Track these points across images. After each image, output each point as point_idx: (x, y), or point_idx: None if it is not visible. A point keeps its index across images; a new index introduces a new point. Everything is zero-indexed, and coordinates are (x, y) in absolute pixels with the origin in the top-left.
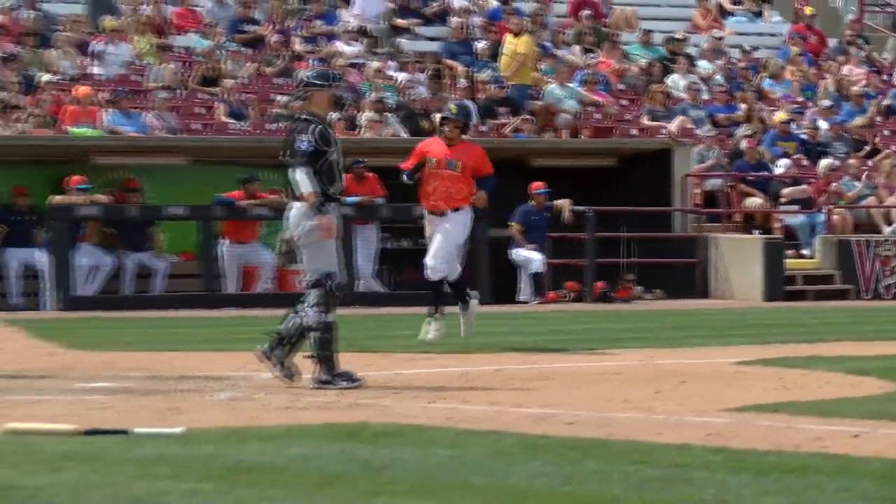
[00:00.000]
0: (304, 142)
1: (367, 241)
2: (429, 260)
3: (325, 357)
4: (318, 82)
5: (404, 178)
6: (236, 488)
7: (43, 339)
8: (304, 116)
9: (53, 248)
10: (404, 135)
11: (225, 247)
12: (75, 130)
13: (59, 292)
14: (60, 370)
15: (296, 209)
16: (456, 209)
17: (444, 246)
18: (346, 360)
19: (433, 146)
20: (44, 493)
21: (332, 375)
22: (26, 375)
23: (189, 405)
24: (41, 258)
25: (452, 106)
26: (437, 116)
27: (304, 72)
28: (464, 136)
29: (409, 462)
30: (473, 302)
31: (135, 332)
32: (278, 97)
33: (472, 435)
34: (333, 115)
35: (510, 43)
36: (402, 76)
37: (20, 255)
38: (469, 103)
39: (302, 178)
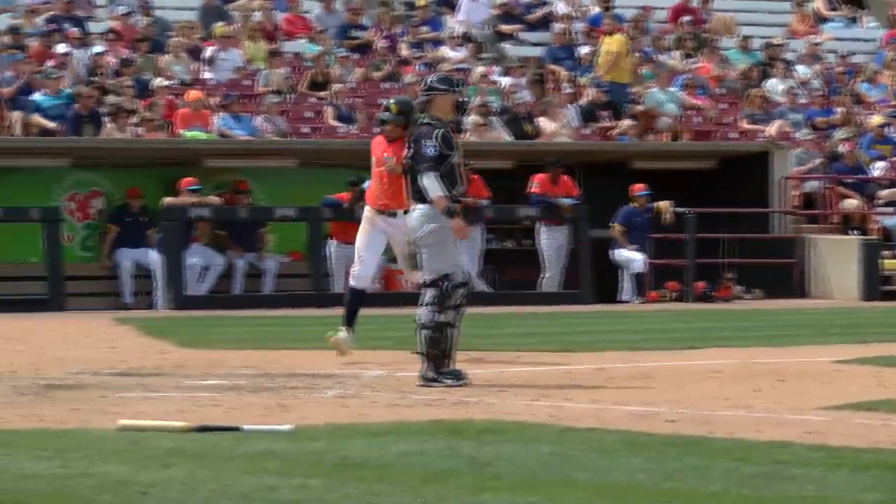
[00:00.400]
0: (429, 147)
1: (472, 242)
2: (359, 269)
3: (432, 355)
4: (442, 87)
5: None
6: (344, 484)
7: (154, 338)
8: (426, 121)
9: (166, 248)
10: (508, 138)
11: (333, 247)
12: (188, 134)
13: (171, 291)
14: (172, 368)
15: (417, 211)
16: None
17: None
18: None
19: (375, 144)
20: (155, 489)
21: (438, 373)
22: (138, 373)
23: (298, 402)
24: (154, 258)
25: (392, 105)
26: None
27: (428, 76)
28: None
29: (513, 458)
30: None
31: (245, 330)
32: (385, 101)
33: (575, 432)
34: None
35: (605, 43)
36: (506, 81)
37: (133, 255)
38: (411, 99)
39: (430, 183)
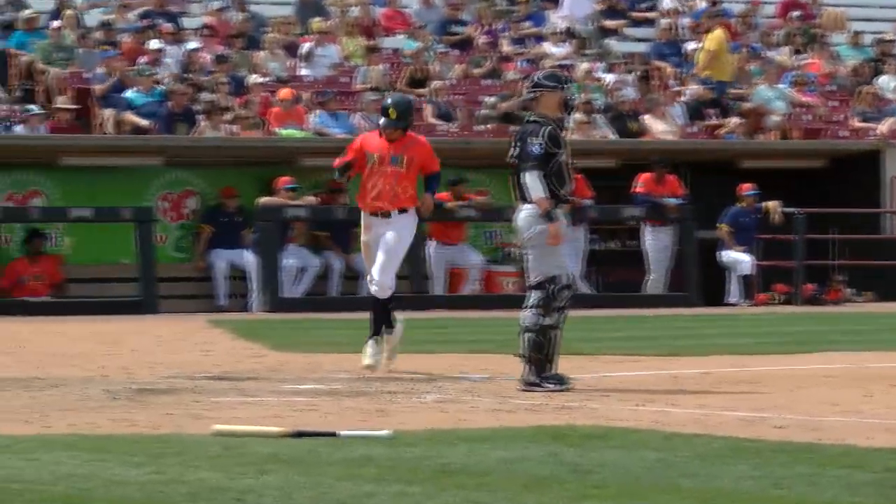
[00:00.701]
0: (535, 145)
1: (576, 243)
2: (376, 274)
3: (535, 359)
4: (550, 84)
5: (336, 175)
6: (443, 491)
7: (250, 341)
8: (533, 118)
9: (261, 249)
10: (612, 136)
11: (432, 248)
12: (283, 132)
13: (266, 293)
14: (267, 372)
15: (525, 212)
16: (402, 211)
17: (392, 258)
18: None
19: (372, 140)
20: (250, 495)
21: (540, 377)
22: (233, 377)
23: (396, 407)
24: (249, 259)
25: (391, 109)
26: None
27: (536, 73)
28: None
29: (617, 465)
30: (399, 325)
31: (342, 333)
32: (486, 98)
33: (680, 438)
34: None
35: (707, 40)
36: (610, 77)
37: (227, 256)
38: (409, 98)
39: (532, 182)
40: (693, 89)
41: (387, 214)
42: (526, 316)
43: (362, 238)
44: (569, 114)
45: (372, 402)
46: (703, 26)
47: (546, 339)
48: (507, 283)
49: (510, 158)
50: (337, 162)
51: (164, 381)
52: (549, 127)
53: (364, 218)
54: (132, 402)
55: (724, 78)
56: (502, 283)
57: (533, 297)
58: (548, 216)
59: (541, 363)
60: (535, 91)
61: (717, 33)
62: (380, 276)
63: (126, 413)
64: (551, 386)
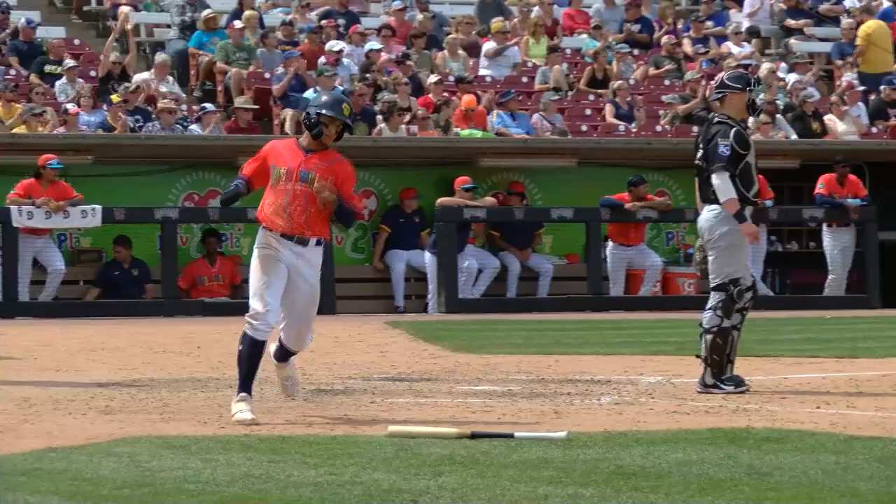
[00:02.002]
0: (724, 146)
1: (757, 245)
2: (265, 306)
3: (714, 361)
4: (736, 85)
5: (236, 184)
6: (619, 493)
7: (426, 342)
8: (718, 119)
9: (440, 249)
10: (794, 136)
11: (610, 249)
12: (463, 133)
13: (444, 294)
14: (443, 373)
15: (708, 213)
16: (319, 242)
17: (302, 305)
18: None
19: (283, 151)
20: (425, 496)
21: (718, 379)
22: (409, 378)
23: (572, 409)
24: (427, 260)
25: (345, 105)
26: (309, 111)
27: (722, 74)
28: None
29: (795, 468)
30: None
31: (519, 334)
32: (667, 98)
33: (859, 441)
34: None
35: (861, 31)
36: (792, 77)
37: (406, 258)
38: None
39: (723, 184)
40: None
41: (303, 241)
42: (706, 317)
43: (255, 256)
44: (755, 116)
45: (548, 404)
46: (858, 16)
47: (726, 341)
48: (685, 284)
49: (697, 160)
50: (243, 170)
51: (340, 381)
52: (737, 128)
53: (269, 235)
54: (308, 402)
55: (880, 70)
56: (681, 285)
57: (714, 298)
58: (738, 217)
59: (719, 365)
60: (721, 92)
61: (871, 23)
62: (271, 310)
63: (302, 414)
64: (730, 388)
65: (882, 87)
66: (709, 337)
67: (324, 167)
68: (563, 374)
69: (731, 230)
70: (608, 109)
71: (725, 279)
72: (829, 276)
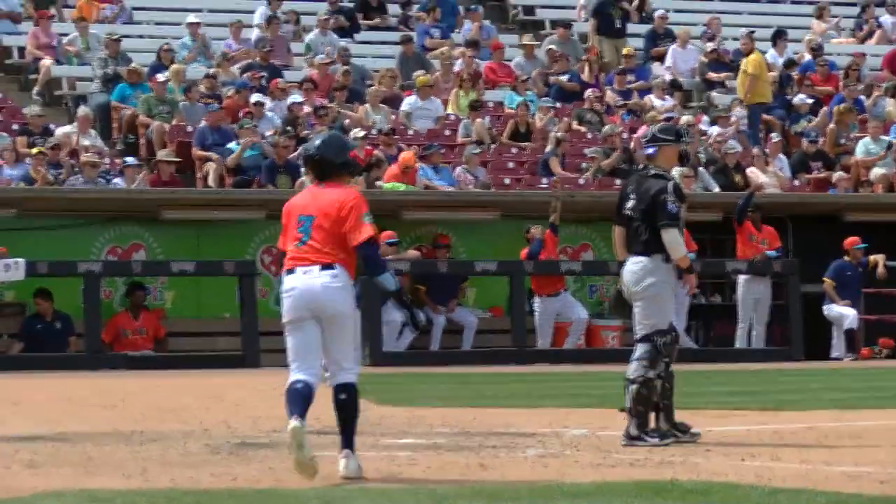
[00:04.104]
0: (673, 204)
1: (679, 297)
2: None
3: (639, 412)
4: (669, 137)
5: None
6: None
7: None
8: (654, 172)
9: (364, 303)
10: (717, 189)
11: (537, 302)
12: (386, 185)
13: (368, 347)
14: (369, 426)
15: (635, 266)
16: None
17: None
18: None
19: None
20: None
21: (643, 431)
22: (334, 431)
23: (498, 461)
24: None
25: (317, 141)
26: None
27: (652, 126)
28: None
29: None
30: None
31: (444, 387)
32: (590, 151)
33: (783, 493)
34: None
35: (746, 63)
36: (714, 130)
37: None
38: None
39: (675, 240)
40: (801, 142)
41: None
42: (631, 368)
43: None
44: (685, 166)
45: (473, 457)
46: (743, 47)
47: (651, 391)
48: (610, 337)
49: (628, 210)
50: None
51: (265, 435)
52: (673, 182)
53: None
54: (233, 456)
55: (764, 100)
56: (605, 338)
57: (639, 349)
58: (689, 270)
59: (644, 416)
60: (653, 144)
61: (755, 57)
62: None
63: (227, 468)
64: (654, 440)
65: (804, 139)
66: (633, 387)
67: None
68: (489, 427)
69: (657, 282)
70: (553, 162)
71: (651, 329)
72: (739, 326)
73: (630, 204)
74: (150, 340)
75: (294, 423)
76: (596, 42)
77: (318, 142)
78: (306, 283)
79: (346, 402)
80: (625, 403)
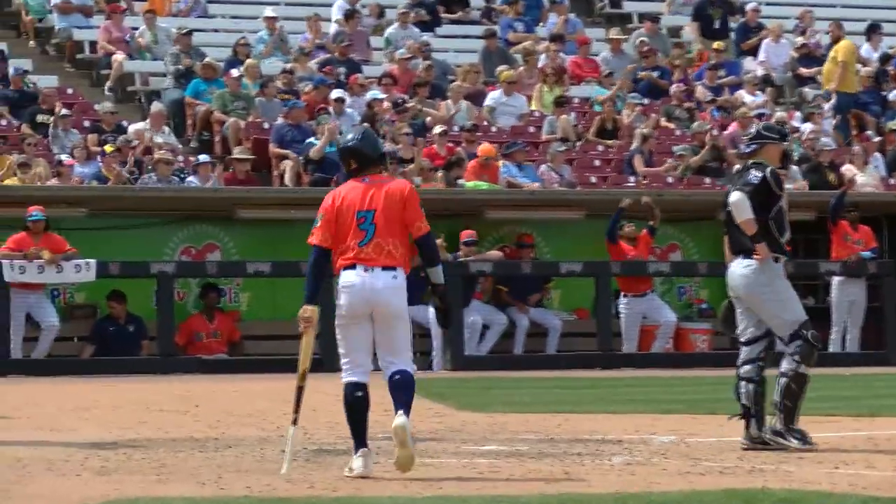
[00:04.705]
0: (756, 175)
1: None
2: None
3: (786, 407)
4: (773, 135)
5: None
6: None
7: (431, 400)
8: (754, 162)
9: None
10: (807, 188)
11: (623, 303)
12: (468, 184)
13: (449, 351)
14: (449, 432)
15: (744, 269)
16: None
17: None
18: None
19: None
20: None
21: (786, 428)
22: (414, 438)
23: (583, 469)
24: (431, 316)
25: (356, 134)
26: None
27: (757, 124)
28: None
29: None
30: None
31: (527, 392)
32: (678, 149)
33: (878, 501)
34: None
35: (835, 51)
36: (806, 126)
37: (411, 313)
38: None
39: (741, 203)
40: None
41: None
42: (784, 362)
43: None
44: (787, 167)
45: (557, 464)
46: (832, 35)
47: (802, 388)
48: (699, 340)
49: (728, 212)
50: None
51: (343, 441)
52: (771, 168)
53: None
54: (310, 463)
55: (851, 90)
56: (694, 341)
57: (792, 346)
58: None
59: (791, 412)
60: (756, 142)
61: (845, 44)
62: None
63: (304, 474)
64: (794, 442)
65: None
66: (784, 380)
67: None
68: (573, 434)
69: (770, 280)
70: (637, 160)
71: (795, 326)
72: (833, 329)
73: (723, 209)
74: (224, 344)
75: (399, 419)
76: (699, 44)
77: (357, 135)
78: (368, 281)
79: (401, 381)
80: (742, 405)
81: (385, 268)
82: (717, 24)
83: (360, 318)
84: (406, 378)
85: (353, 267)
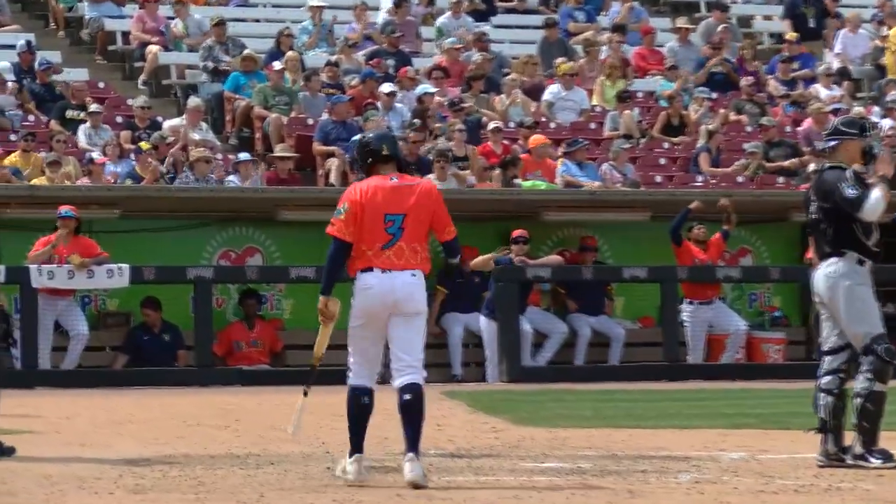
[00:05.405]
0: (850, 188)
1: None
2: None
3: (864, 429)
4: (852, 131)
5: None
6: None
7: (487, 414)
8: (830, 166)
9: (500, 312)
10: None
11: (687, 311)
12: (525, 184)
13: (505, 362)
14: (506, 448)
15: (828, 267)
16: None
17: None
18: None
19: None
20: None
21: (867, 450)
22: (469, 454)
23: (648, 488)
24: (483, 324)
25: (378, 132)
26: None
27: (836, 119)
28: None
29: None
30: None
31: (589, 406)
32: (749, 146)
33: None
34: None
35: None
36: (886, 122)
37: (464, 321)
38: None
39: (876, 203)
40: None
41: None
42: (857, 382)
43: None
44: (868, 164)
45: (621, 482)
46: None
47: (879, 407)
48: (771, 350)
49: (812, 214)
50: None
51: (392, 458)
52: (851, 169)
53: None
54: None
55: None
56: (766, 351)
57: (865, 362)
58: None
59: (871, 433)
60: (835, 138)
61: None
62: None
63: (351, 493)
64: (877, 461)
65: None
66: (859, 401)
67: None
68: (637, 450)
69: (853, 284)
70: (703, 158)
71: (867, 339)
72: None
73: (813, 207)
74: (266, 353)
75: (411, 474)
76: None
77: (378, 133)
78: (387, 282)
79: (412, 404)
80: (820, 418)
81: (404, 269)
82: (811, 23)
83: (375, 322)
84: (416, 397)
85: (371, 269)
